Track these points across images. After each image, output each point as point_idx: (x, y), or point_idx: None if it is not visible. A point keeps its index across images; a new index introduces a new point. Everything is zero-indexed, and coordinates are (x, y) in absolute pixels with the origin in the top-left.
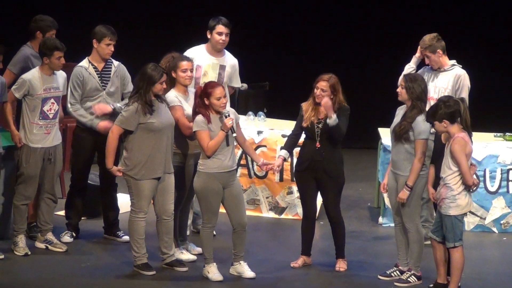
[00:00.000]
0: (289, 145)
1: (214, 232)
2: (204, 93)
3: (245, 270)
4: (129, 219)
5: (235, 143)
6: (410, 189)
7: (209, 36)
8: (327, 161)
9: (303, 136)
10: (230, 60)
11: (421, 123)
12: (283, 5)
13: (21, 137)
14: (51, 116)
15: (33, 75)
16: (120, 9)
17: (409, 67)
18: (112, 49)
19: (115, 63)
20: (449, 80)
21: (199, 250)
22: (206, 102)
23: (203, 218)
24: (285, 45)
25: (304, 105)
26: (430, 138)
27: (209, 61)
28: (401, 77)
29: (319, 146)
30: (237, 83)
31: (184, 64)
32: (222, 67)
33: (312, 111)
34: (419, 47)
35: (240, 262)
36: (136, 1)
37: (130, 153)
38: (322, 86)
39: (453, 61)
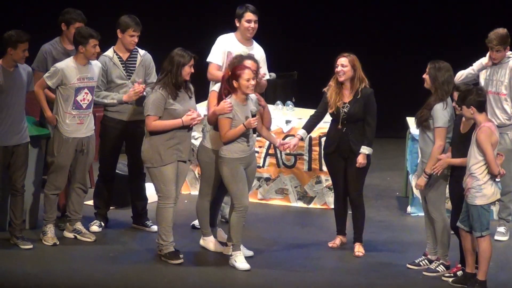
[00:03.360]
0: (308, 126)
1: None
2: (233, 75)
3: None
4: (157, 206)
5: None
6: (428, 177)
7: (237, 25)
8: (353, 141)
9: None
10: (259, 51)
11: (439, 111)
12: None
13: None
14: (84, 106)
15: (67, 64)
16: None
17: (469, 73)
18: (136, 40)
19: (141, 52)
20: (505, 72)
21: (225, 237)
22: (235, 84)
23: (234, 203)
24: (314, 34)
25: (328, 91)
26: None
27: (239, 49)
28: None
29: (340, 127)
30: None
31: (246, 73)
32: None
33: (336, 96)
34: (493, 51)
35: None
36: None
37: (150, 138)
38: (342, 61)
39: (509, 53)
